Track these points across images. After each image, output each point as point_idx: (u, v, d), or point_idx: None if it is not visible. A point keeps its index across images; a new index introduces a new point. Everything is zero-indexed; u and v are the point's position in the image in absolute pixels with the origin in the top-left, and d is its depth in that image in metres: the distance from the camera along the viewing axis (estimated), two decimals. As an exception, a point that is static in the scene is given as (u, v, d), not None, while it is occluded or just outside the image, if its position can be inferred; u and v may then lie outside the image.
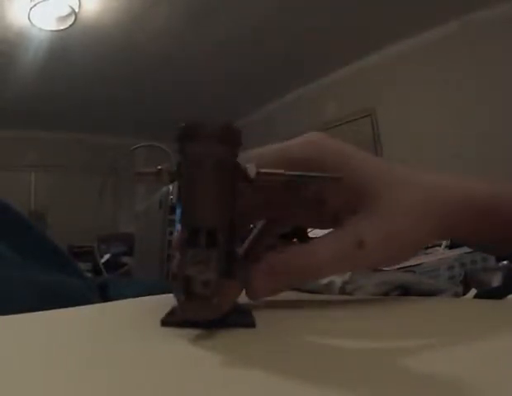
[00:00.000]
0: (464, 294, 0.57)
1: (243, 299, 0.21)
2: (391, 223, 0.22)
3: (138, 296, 0.29)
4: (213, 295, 0.15)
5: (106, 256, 1.56)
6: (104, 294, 0.38)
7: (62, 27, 2.45)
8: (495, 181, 0.25)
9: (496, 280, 0.60)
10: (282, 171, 0.20)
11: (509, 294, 0.50)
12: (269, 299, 0.22)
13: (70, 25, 2.43)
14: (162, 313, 0.18)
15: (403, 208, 0.22)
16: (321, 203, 0.23)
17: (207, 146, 0.17)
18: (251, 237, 0.27)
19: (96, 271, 1.26)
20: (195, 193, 0.17)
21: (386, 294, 0.55)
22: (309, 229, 0.37)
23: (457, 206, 0.24)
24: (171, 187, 0.83)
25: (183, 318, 0.17)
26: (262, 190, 0.22)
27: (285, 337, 0.17)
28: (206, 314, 0.16)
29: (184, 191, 0.18)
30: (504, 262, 0.71)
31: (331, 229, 0.23)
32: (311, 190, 0.23)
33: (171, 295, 0.19)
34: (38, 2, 2.23)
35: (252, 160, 0.19)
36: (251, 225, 0.28)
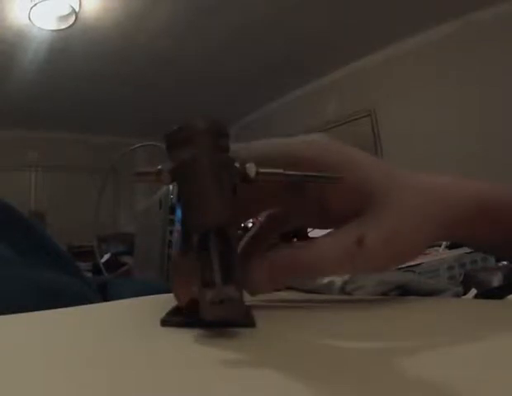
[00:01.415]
0: (464, 294, 0.57)
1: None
2: (391, 225, 0.22)
3: (138, 296, 0.29)
4: (238, 296, 0.16)
5: (106, 256, 1.55)
6: (104, 294, 0.38)
7: (62, 27, 2.45)
8: (495, 183, 0.25)
9: (496, 280, 0.60)
10: (281, 171, 0.20)
11: (509, 294, 0.50)
12: (269, 298, 0.22)
13: (70, 25, 2.43)
14: (162, 313, 0.18)
15: (403, 210, 0.22)
16: (323, 203, 0.23)
17: (198, 147, 0.17)
18: (250, 235, 0.27)
19: (96, 270, 1.26)
20: (196, 195, 0.17)
21: (385, 294, 0.55)
22: (309, 229, 0.37)
23: (457, 209, 0.24)
24: (171, 187, 0.83)
25: (211, 319, 0.16)
26: (262, 189, 0.22)
27: (285, 336, 0.17)
28: (234, 315, 0.16)
29: (185, 197, 0.18)
30: (504, 262, 0.71)
31: (332, 229, 0.23)
32: (313, 190, 0.23)
33: (171, 295, 0.19)
34: (38, 2, 2.23)
35: (254, 155, 0.19)
36: (243, 223, 0.28)
